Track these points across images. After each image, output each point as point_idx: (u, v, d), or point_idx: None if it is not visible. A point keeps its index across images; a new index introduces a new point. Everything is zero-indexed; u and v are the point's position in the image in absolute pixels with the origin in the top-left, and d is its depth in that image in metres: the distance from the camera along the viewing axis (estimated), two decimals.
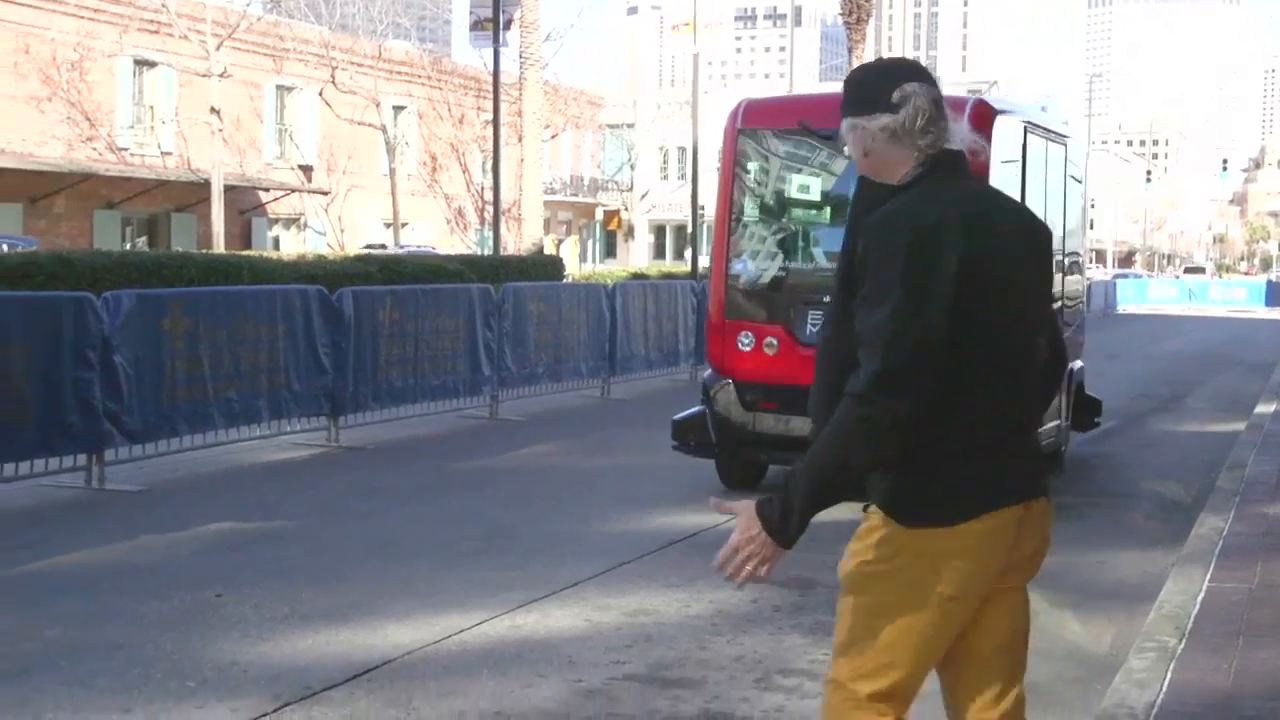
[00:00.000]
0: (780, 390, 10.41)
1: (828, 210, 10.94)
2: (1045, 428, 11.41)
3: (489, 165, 40.88)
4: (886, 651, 3.31)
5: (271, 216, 46.93)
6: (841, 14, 41.37)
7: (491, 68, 33.02)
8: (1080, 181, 13.29)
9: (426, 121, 53.05)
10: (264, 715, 5.77)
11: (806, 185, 10.96)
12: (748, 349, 10.70)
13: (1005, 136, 10.60)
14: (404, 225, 48.10)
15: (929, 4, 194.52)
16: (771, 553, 3.21)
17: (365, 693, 6.12)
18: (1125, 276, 72.44)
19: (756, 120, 11.14)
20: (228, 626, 7.07)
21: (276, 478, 11.64)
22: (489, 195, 40.24)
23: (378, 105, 48.12)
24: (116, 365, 10.72)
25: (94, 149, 39.95)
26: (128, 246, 38.13)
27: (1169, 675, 5.82)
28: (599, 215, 67.98)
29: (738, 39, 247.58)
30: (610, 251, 68.99)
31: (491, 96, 32.62)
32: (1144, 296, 60.75)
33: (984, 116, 10.21)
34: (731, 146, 11.08)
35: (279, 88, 48.04)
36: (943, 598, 3.27)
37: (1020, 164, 10.92)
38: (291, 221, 48.07)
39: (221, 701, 5.91)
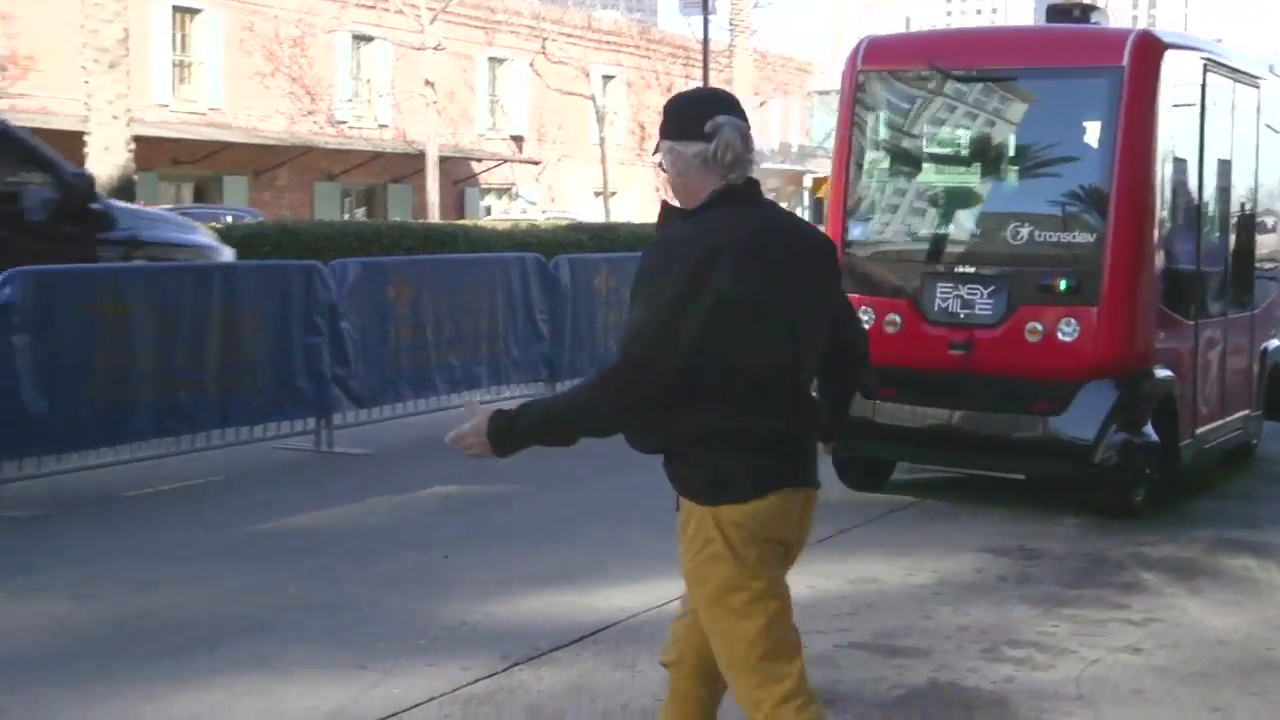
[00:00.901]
0: (902, 374, 8.83)
1: (961, 166, 9.45)
2: (1231, 419, 10.18)
3: None
4: (751, 620, 3.68)
5: (484, 186, 47.64)
6: None
7: (700, 36, 32.98)
8: (1277, 131, 11.35)
9: (635, 90, 53.21)
10: (494, 674, 5.87)
11: (936, 135, 9.45)
12: (867, 327, 8.49)
13: (1178, 75, 9.08)
14: (613, 194, 48.41)
15: None
16: (487, 453, 3.71)
17: (591, 654, 6.17)
18: None
19: (879, 60, 9.51)
20: (455, 587, 7.20)
21: None
22: None
23: (587, 75, 48.41)
24: (343, 331, 10.99)
25: (314, 123, 40.97)
26: (347, 217, 39.09)
27: None
28: (807, 182, 67.46)
29: (948, 3, 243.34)
30: (818, 218, 68.41)
31: (700, 65, 32.60)
32: None
33: (1149, 50, 8.80)
34: (850, 91, 9.48)
35: (491, 59, 48.67)
36: (756, 558, 3.66)
37: (1199, 107, 9.43)
38: (503, 191, 48.73)
39: (453, 659, 6.02)
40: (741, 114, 3.79)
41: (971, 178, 9.32)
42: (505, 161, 47.31)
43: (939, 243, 9.17)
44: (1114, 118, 8.60)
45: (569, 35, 49.31)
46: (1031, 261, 8.75)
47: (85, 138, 17.15)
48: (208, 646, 6.16)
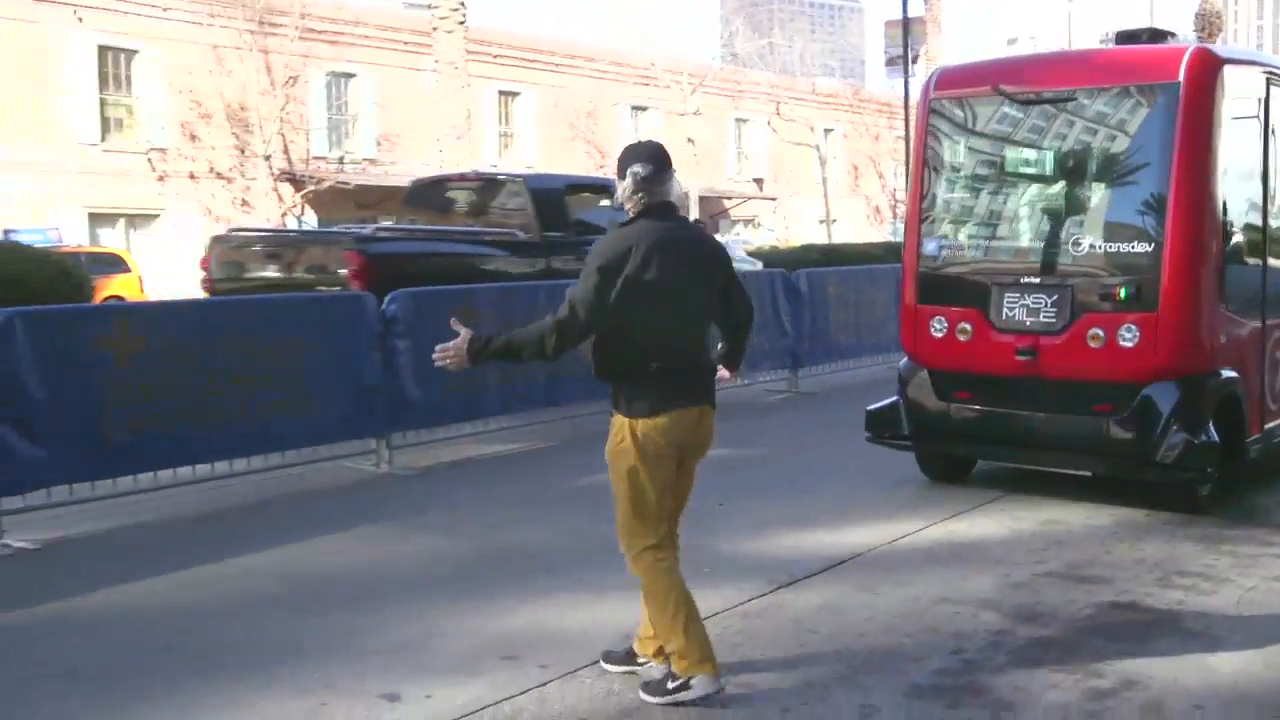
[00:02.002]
0: (975, 379, 7.73)
1: (1026, 182, 7.88)
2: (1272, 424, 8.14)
3: (900, 171, 40.09)
4: (639, 493, 4.47)
5: (734, 218, 47.64)
6: (1195, 29, 38.23)
7: (902, 94, 32.31)
8: None
9: (849, 139, 52.49)
10: (763, 595, 5.86)
11: (1002, 155, 7.93)
12: (940, 335, 7.81)
13: (1237, 88, 7.48)
14: (834, 221, 47.84)
15: (1273, 16, 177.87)
16: (462, 363, 4.37)
17: (839, 580, 6.11)
18: None
19: (950, 86, 8.11)
20: (728, 529, 7.18)
21: (755, 416, 11.73)
22: (900, 195, 39.48)
23: (812, 129, 47.99)
24: None
25: (604, 175, 41.59)
26: None
27: None
28: None
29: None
30: None
31: (902, 117, 31.92)
32: None
33: (1205, 65, 7.21)
34: (924, 116, 8.15)
35: (737, 120, 48.63)
36: (652, 456, 4.42)
37: (1261, 119, 7.76)
38: (748, 222, 48.63)
39: (730, 584, 6.02)
40: (656, 161, 4.43)
41: (1035, 193, 7.84)
42: (749, 199, 47.21)
43: (1005, 255, 7.78)
44: (1171, 131, 7.15)
45: (797, 98, 48.94)
46: (1093, 271, 7.35)
47: None
48: (545, 572, 6.29)
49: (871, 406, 8.36)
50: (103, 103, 31.67)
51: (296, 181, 33.93)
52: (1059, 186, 7.74)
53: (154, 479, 7.85)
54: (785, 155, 47.70)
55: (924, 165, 8.12)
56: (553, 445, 10.07)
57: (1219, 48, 7.65)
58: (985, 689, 4.67)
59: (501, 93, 39.62)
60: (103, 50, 31.50)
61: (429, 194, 13.41)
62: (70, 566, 6.55)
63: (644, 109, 43.72)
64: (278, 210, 33.70)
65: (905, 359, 8.19)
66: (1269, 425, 7.97)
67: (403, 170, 34.41)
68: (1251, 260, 7.78)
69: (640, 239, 4.34)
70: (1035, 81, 7.82)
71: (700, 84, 41.36)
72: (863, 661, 4.96)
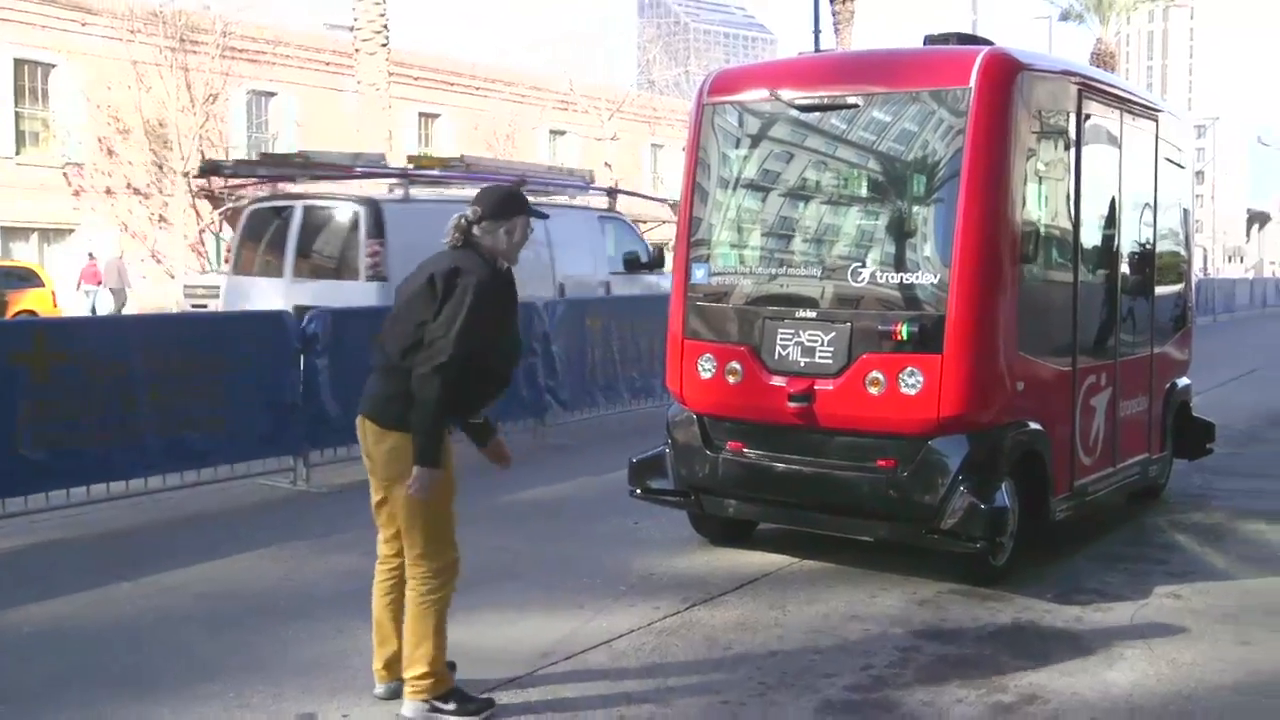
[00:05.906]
0: (748, 428, 6.55)
1: (804, 201, 6.59)
2: (1125, 464, 7.53)
3: None
4: (447, 505, 4.73)
5: (650, 242, 47.85)
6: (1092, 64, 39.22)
7: None
8: (1182, 166, 8.40)
9: None
10: (678, 612, 5.86)
11: (779, 170, 6.68)
12: (709, 375, 6.61)
13: (1040, 98, 6.41)
14: None
15: (1161, 57, 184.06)
16: (435, 481, 4.43)
17: (751, 597, 6.13)
18: None
19: (725, 92, 6.88)
20: (645, 547, 7.19)
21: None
22: None
23: None
24: (554, 353, 11.07)
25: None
26: None
27: None
28: None
29: None
30: None
31: None
32: None
33: (999, 70, 6.13)
34: (696, 125, 6.93)
35: (653, 145, 48.88)
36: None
37: (1073, 135, 6.72)
38: (664, 244, 48.86)
39: (646, 602, 6.02)
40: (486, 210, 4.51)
41: (814, 213, 6.59)
42: (664, 222, 47.34)
43: (779, 285, 6.51)
44: (961, 144, 6.02)
45: None
46: (874, 305, 6.16)
47: None
48: (464, 590, 6.09)
49: (636, 456, 7.14)
50: (18, 116, 30.91)
51: (214, 198, 33.33)
52: (840, 206, 6.58)
53: (67, 496, 7.64)
54: None
55: (693, 181, 6.93)
56: (469, 464, 9.94)
57: (1020, 51, 6.48)
58: (894, 704, 4.71)
59: (422, 114, 39.41)
60: (19, 63, 30.76)
61: None
62: None
63: (562, 133, 43.79)
64: (195, 227, 33.12)
65: (674, 403, 7.03)
66: (1081, 482, 6.93)
67: (321, 189, 34.04)
68: (1058, 295, 6.71)
69: (493, 278, 4.45)
70: (817, 85, 6.66)
71: (617, 110, 41.54)
72: (775, 678, 4.98)
